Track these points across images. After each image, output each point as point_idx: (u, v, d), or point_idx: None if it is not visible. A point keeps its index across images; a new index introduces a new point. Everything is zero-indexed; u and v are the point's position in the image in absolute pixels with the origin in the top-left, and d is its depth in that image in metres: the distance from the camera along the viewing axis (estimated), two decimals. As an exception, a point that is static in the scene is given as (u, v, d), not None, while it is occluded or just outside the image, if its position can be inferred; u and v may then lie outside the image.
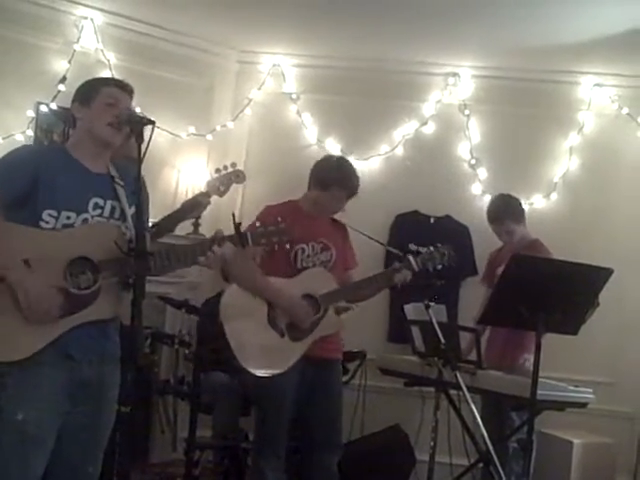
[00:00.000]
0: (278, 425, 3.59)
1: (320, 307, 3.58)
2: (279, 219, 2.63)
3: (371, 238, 3.85)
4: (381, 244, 4.09)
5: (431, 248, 3.67)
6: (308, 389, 3.59)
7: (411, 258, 3.62)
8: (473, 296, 4.76)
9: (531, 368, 3.86)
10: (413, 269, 3.62)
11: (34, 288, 2.35)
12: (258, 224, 2.63)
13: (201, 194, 3.59)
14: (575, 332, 3.47)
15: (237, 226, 2.52)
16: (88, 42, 5.09)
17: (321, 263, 3.67)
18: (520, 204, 4.43)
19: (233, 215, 2.55)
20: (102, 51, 5.13)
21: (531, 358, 3.91)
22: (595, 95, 5.40)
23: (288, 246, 3.47)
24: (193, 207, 3.58)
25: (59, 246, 2.43)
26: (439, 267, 3.66)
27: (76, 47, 5.03)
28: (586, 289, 3.39)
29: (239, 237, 2.51)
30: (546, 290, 3.24)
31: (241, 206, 5.52)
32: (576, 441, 4.78)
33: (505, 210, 4.33)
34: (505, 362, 4.01)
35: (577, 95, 5.43)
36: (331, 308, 3.62)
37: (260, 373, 3.45)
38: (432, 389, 3.87)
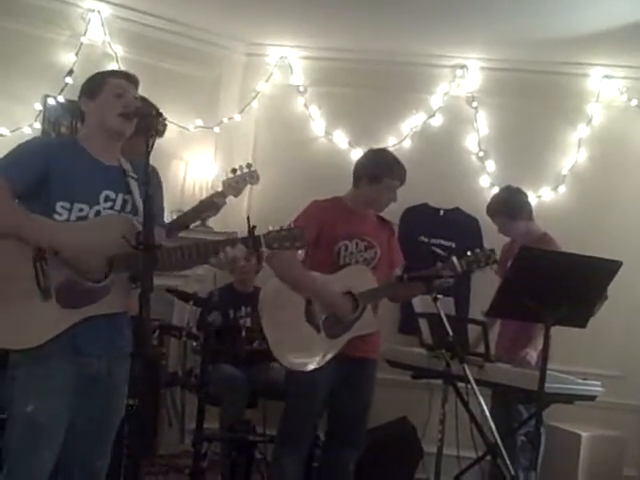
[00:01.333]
0: (306, 420, 3.58)
1: (358, 305, 3.54)
2: (291, 224, 2.60)
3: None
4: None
5: (477, 250, 3.60)
6: (340, 385, 3.56)
7: (455, 260, 3.54)
8: (485, 288, 4.73)
9: (532, 361, 3.86)
10: (456, 271, 3.55)
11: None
12: (271, 227, 2.59)
13: (217, 194, 3.61)
14: (584, 325, 3.44)
15: (251, 229, 2.50)
16: (95, 35, 5.09)
17: (364, 261, 3.63)
18: (523, 200, 4.26)
19: (248, 218, 2.53)
20: (109, 43, 5.13)
21: (532, 352, 3.90)
22: (604, 87, 5.37)
23: (331, 242, 3.51)
24: (210, 207, 3.61)
25: (74, 238, 2.42)
26: (484, 269, 3.62)
27: (83, 40, 5.04)
28: (595, 282, 3.36)
29: (252, 240, 2.50)
30: (554, 283, 3.21)
31: (249, 198, 5.52)
32: (584, 434, 4.78)
33: (499, 206, 4.21)
34: (513, 355, 4.00)
35: (586, 87, 5.41)
36: (369, 307, 3.58)
37: (294, 367, 3.44)
38: (440, 381, 3.86)
